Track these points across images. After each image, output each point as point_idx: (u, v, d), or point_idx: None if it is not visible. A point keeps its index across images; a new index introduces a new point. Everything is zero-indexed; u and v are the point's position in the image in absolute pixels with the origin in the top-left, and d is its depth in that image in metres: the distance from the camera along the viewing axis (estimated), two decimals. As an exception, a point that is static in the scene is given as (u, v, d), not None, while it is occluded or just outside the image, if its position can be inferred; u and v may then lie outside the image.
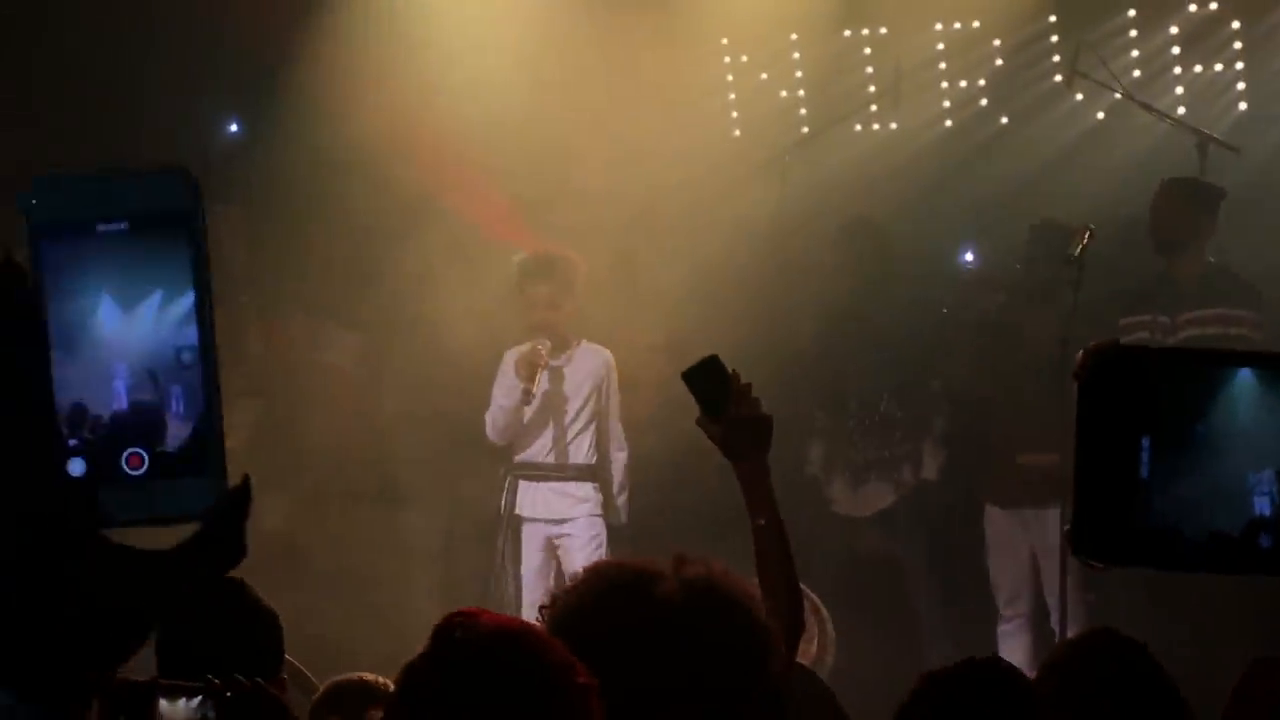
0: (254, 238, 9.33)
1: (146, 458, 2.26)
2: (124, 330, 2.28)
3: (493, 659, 2.36)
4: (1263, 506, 2.15)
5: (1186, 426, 2.16)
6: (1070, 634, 6.71)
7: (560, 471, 8.04)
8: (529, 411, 7.93)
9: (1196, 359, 2.24)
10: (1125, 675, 3.62)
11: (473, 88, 8.92)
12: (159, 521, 2.25)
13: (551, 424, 8.05)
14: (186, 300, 2.28)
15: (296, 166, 8.99)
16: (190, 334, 2.27)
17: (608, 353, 8.07)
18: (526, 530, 8.07)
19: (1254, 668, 3.49)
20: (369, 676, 3.94)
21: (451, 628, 2.42)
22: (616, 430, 8.14)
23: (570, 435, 8.03)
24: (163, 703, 2.66)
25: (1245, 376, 2.17)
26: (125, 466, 2.26)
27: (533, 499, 8.06)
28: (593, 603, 2.75)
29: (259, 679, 2.85)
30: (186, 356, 2.27)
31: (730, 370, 3.38)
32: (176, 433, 2.27)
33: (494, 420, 8.04)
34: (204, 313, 2.27)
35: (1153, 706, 3.59)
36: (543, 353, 7.84)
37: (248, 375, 8.87)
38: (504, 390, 7.98)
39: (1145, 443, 2.16)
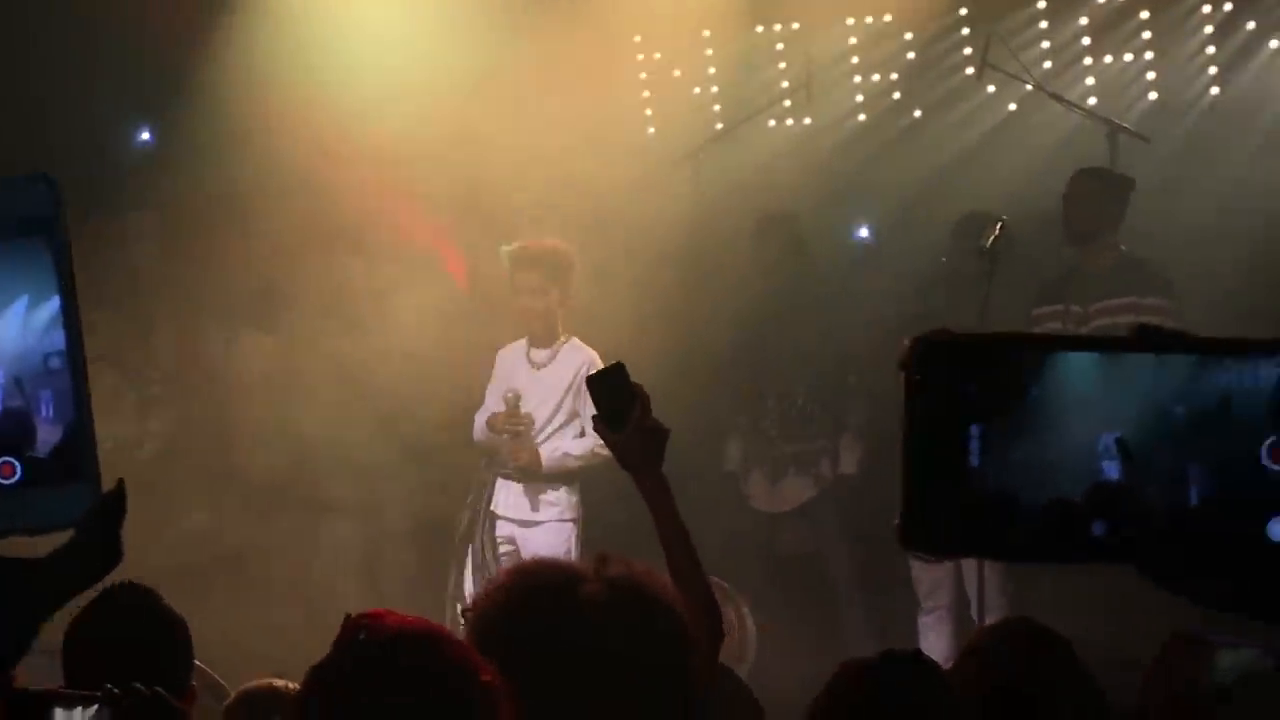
0: (167, 244, 9.23)
1: (18, 466, 2.23)
2: None
3: (394, 659, 2.32)
4: (1110, 471, 2.11)
5: (1018, 412, 2.11)
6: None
7: (535, 472, 7.92)
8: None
9: (1027, 343, 2.19)
10: (1041, 661, 3.63)
11: (383, 90, 8.87)
12: (33, 531, 2.23)
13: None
14: (52, 305, 2.25)
15: (209, 170, 8.91)
16: (57, 339, 2.25)
17: (592, 352, 7.86)
18: (500, 528, 7.99)
19: (1169, 645, 3.51)
20: (279, 682, 3.89)
21: (357, 629, 2.38)
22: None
23: (547, 434, 7.89)
24: (59, 712, 2.62)
25: (1079, 357, 2.13)
26: None
27: (505, 498, 7.95)
28: (517, 604, 2.72)
29: (160, 688, 2.79)
30: (54, 361, 2.25)
31: (634, 383, 3.34)
32: (47, 438, 2.24)
33: (479, 434, 8.02)
34: (70, 318, 2.25)
35: (1067, 692, 3.60)
36: (517, 417, 7.78)
37: (160, 381, 8.78)
38: (486, 435, 7.95)
39: (975, 430, 2.11)
